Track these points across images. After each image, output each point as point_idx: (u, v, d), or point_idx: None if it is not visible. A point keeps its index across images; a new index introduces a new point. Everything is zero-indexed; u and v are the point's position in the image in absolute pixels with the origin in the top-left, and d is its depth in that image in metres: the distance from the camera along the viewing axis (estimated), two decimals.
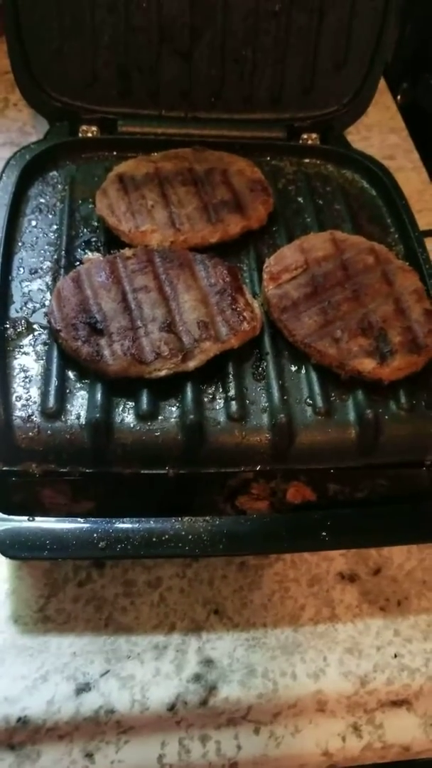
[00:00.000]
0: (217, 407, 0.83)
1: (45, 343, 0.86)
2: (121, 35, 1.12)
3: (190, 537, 0.79)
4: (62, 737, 0.76)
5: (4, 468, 0.79)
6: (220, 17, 1.12)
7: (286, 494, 0.87)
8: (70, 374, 0.84)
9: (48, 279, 0.93)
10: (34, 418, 0.80)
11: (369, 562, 0.90)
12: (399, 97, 1.56)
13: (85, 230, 1.00)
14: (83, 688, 0.78)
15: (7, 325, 0.87)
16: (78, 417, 0.80)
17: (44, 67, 1.13)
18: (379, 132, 1.46)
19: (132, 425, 0.81)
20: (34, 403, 0.81)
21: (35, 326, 0.88)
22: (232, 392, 0.84)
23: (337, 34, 1.15)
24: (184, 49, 1.14)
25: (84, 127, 1.15)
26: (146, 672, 0.79)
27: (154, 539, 0.78)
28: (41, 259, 0.95)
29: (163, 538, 0.78)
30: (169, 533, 0.79)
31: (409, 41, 1.53)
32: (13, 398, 0.81)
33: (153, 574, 0.86)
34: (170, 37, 1.13)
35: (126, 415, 0.81)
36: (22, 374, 0.83)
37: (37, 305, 0.90)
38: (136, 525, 0.79)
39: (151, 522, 0.79)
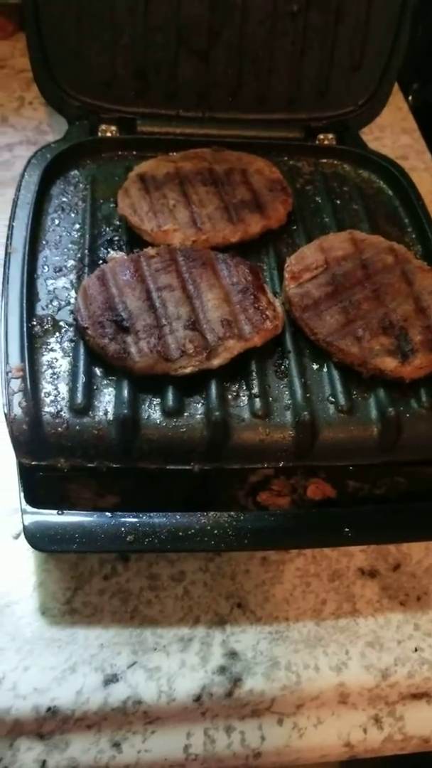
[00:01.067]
0: (241, 404, 0.84)
1: (71, 340, 0.87)
2: (139, 35, 1.13)
3: (215, 532, 0.80)
4: (90, 727, 0.77)
5: (34, 462, 0.80)
6: (237, 18, 1.13)
7: (307, 491, 0.88)
8: (97, 371, 0.85)
9: (72, 277, 0.94)
10: (63, 414, 0.81)
11: (388, 558, 0.91)
12: (410, 97, 1.57)
13: (107, 229, 1.01)
14: (111, 679, 0.79)
15: (34, 323, 0.88)
16: (105, 413, 0.81)
17: (64, 66, 1.15)
18: (392, 132, 1.47)
19: (158, 421, 0.82)
20: (63, 399, 0.82)
21: (61, 323, 0.89)
22: (255, 390, 0.85)
23: (353, 35, 1.17)
24: (202, 50, 1.15)
25: (103, 127, 1.16)
26: (172, 664, 0.81)
27: (180, 534, 0.79)
28: (65, 257, 0.96)
29: (189, 532, 0.80)
30: (195, 528, 0.80)
31: (420, 42, 1.55)
32: (42, 394, 0.82)
33: (177, 568, 0.87)
34: (188, 38, 1.14)
35: (152, 412, 0.82)
36: (50, 371, 0.84)
37: (63, 303, 0.91)
38: (163, 519, 0.80)
39: (177, 517, 0.81)
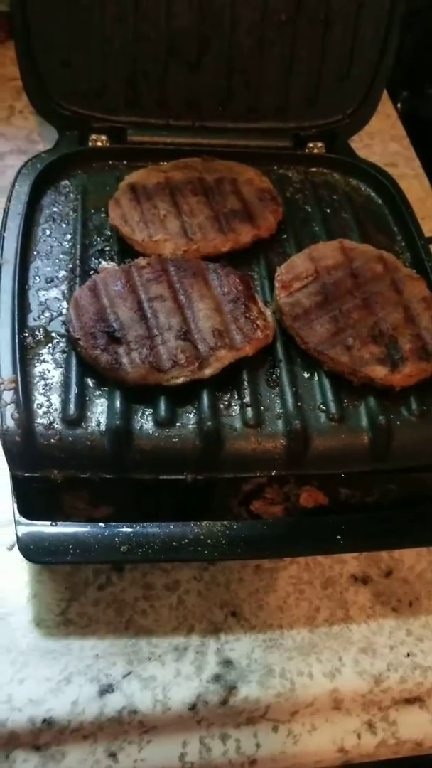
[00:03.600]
0: (233, 414, 0.85)
1: (63, 351, 0.88)
2: (129, 45, 1.13)
3: (209, 541, 0.81)
4: (86, 737, 0.78)
5: (27, 474, 0.80)
6: (226, 28, 1.14)
7: (299, 498, 0.89)
8: (89, 382, 0.85)
9: (64, 288, 0.95)
10: (56, 425, 0.81)
11: (381, 565, 0.92)
12: (400, 105, 1.58)
13: (98, 239, 1.02)
14: (106, 690, 0.80)
15: (26, 334, 0.88)
16: (98, 424, 0.82)
17: (54, 76, 1.15)
18: (381, 140, 1.48)
19: (151, 432, 0.82)
20: (55, 410, 0.82)
21: (53, 334, 0.89)
22: (247, 399, 0.86)
23: (341, 45, 1.17)
24: (192, 60, 1.16)
25: (93, 136, 1.16)
26: (167, 673, 0.81)
27: (174, 543, 0.80)
28: (57, 268, 0.97)
29: (183, 542, 0.80)
30: (188, 537, 0.81)
31: (409, 51, 1.56)
32: (35, 406, 0.82)
33: (171, 578, 0.88)
34: (178, 48, 1.15)
35: (145, 422, 0.83)
36: (42, 382, 0.84)
37: (55, 314, 0.91)
38: (157, 529, 0.81)
39: (171, 526, 0.81)
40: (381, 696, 0.83)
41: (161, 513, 0.83)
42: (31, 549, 0.78)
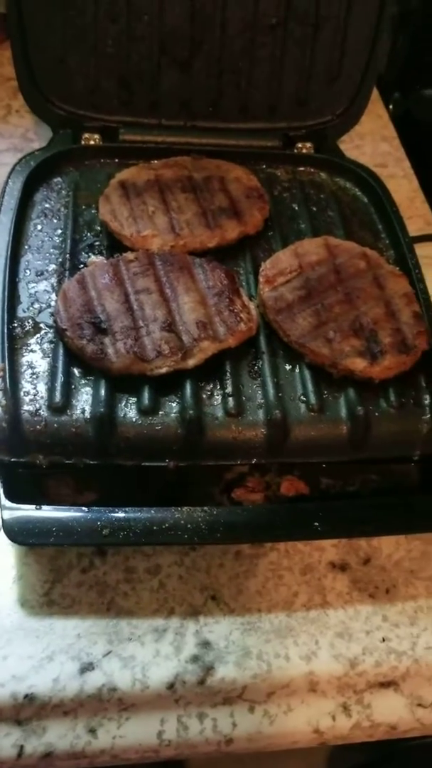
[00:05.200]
0: (215, 403, 0.87)
1: (51, 342, 0.90)
2: (123, 46, 1.16)
3: (188, 526, 0.83)
4: (67, 713, 0.80)
5: (13, 459, 0.83)
6: (218, 30, 1.16)
7: (280, 487, 0.91)
8: (75, 371, 0.88)
9: (54, 281, 0.97)
10: (42, 412, 0.84)
11: (359, 552, 0.94)
12: (391, 106, 1.60)
13: (88, 234, 1.04)
14: (87, 668, 0.82)
15: (15, 325, 0.91)
16: (83, 411, 0.84)
17: (48, 76, 1.17)
18: (372, 140, 1.50)
19: (134, 419, 0.85)
20: (42, 398, 0.85)
21: (42, 325, 0.92)
22: (229, 389, 0.88)
23: (331, 47, 1.19)
24: (184, 61, 1.18)
25: (86, 135, 1.19)
26: (147, 653, 0.84)
27: (154, 528, 0.82)
28: (47, 261, 0.99)
29: (163, 526, 0.83)
30: (168, 522, 0.83)
31: (401, 53, 1.58)
32: (22, 393, 0.85)
33: (153, 562, 0.90)
34: (170, 49, 1.17)
35: (128, 410, 0.85)
36: (30, 371, 0.87)
37: (44, 305, 0.94)
38: (138, 514, 0.83)
39: (152, 511, 0.83)
40: (356, 679, 0.86)
41: (145, 500, 0.85)
42: (16, 531, 0.80)
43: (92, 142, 1.18)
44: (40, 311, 0.93)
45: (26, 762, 0.78)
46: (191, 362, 0.88)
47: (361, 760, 1.15)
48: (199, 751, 0.82)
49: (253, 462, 0.88)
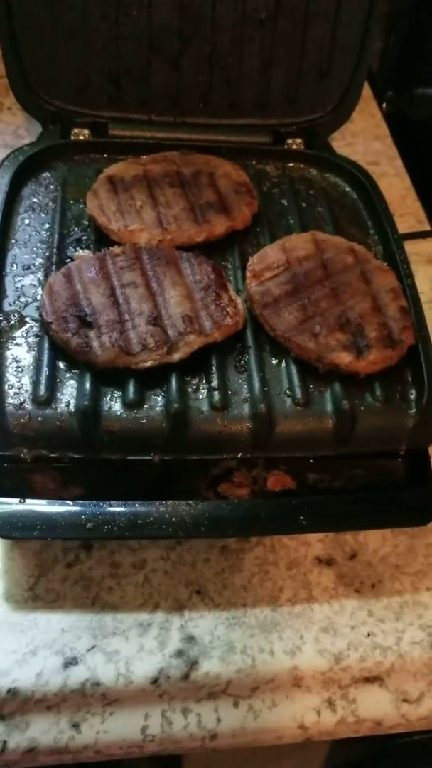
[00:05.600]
0: (201, 397, 0.87)
1: (36, 335, 0.90)
2: (112, 42, 1.16)
3: (173, 520, 0.83)
4: (50, 708, 0.80)
5: None
6: (207, 26, 1.16)
7: (267, 482, 0.91)
8: (61, 365, 0.87)
9: (40, 275, 0.97)
10: (26, 406, 0.83)
11: (345, 548, 0.94)
12: (384, 105, 1.60)
13: (76, 229, 1.04)
14: (71, 662, 0.82)
15: (1, 318, 0.91)
16: (67, 405, 0.84)
17: (38, 72, 1.17)
18: (364, 139, 1.50)
19: (119, 413, 0.85)
20: (26, 391, 0.85)
21: (27, 319, 0.91)
22: (215, 383, 0.88)
23: (321, 43, 1.19)
24: (173, 57, 1.18)
25: (76, 131, 1.19)
26: (131, 647, 0.83)
27: (139, 521, 0.82)
28: (34, 256, 0.99)
29: (148, 520, 0.82)
30: (153, 516, 0.83)
31: (393, 51, 1.58)
32: (6, 387, 0.84)
33: (138, 556, 0.90)
34: (159, 45, 1.17)
35: (113, 404, 0.85)
36: (15, 364, 0.87)
37: (30, 299, 0.94)
38: (122, 508, 0.83)
39: (137, 505, 0.83)
40: (341, 674, 0.85)
41: (131, 495, 0.85)
42: (0, 525, 0.80)
43: (81, 138, 1.18)
44: (26, 305, 0.93)
45: (9, 757, 0.78)
46: (176, 356, 0.87)
47: (359, 757, 1.15)
48: (183, 747, 0.81)
49: (239, 456, 0.88)
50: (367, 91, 1.54)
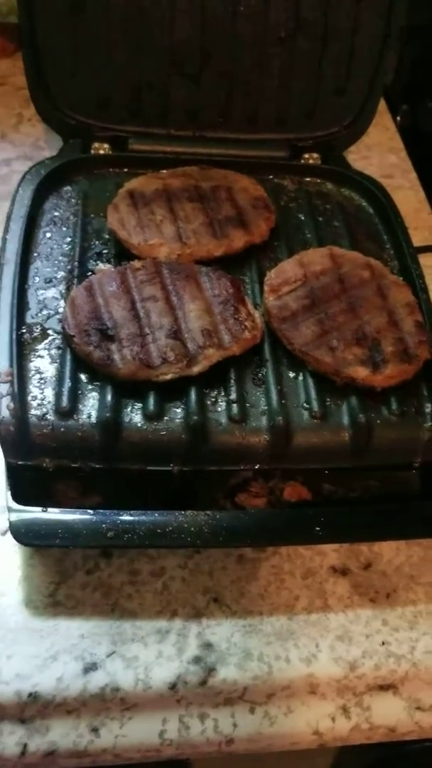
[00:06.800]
0: (219, 409, 0.89)
1: (59, 348, 0.92)
2: (133, 57, 1.18)
3: (192, 529, 0.84)
4: (70, 712, 0.81)
5: (20, 462, 0.85)
6: (228, 43, 1.18)
7: (283, 493, 0.92)
8: (82, 377, 0.89)
9: (62, 288, 0.99)
10: (49, 417, 0.85)
11: (360, 558, 0.95)
12: (399, 118, 1.62)
13: (96, 242, 1.06)
14: (90, 668, 0.83)
15: (24, 331, 0.93)
16: (89, 416, 0.86)
17: (59, 85, 1.19)
18: (379, 152, 1.52)
19: (139, 424, 0.86)
20: (49, 402, 0.86)
21: (50, 331, 0.93)
22: (233, 396, 0.90)
23: (339, 60, 1.21)
24: (194, 72, 1.20)
25: (96, 145, 1.21)
26: (149, 654, 0.85)
27: (158, 530, 0.84)
28: (56, 269, 1.01)
29: (167, 529, 0.84)
30: (172, 525, 0.84)
31: (408, 65, 1.60)
32: (29, 398, 0.86)
33: (157, 564, 0.91)
34: (180, 60, 1.19)
35: (134, 415, 0.87)
36: (38, 376, 0.89)
37: (52, 312, 0.96)
38: (142, 517, 0.84)
39: (156, 515, 0.85)
40: (356, 682, 0.87)
41: (150, 504, 0.87)
42: (22, 533, 0.82)
43: (102, 152, 1.20)
44: (48, 318, 0.95)
45: (30, 760, 0.80)
46: (196, 369, 0.89)
47: (366, 762, 1.16)
48: (200, 751, 0.83)
49: (256, 467, 0.89)
50: (381, 104, 1.54)
